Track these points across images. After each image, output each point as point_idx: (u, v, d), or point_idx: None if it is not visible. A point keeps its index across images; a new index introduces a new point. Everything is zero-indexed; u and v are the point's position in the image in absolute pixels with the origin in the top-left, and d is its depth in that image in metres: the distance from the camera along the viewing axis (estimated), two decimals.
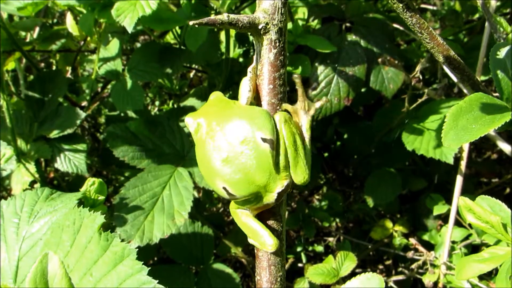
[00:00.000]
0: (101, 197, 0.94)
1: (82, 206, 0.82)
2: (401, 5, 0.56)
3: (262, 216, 0.70)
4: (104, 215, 0.79)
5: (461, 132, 0.56)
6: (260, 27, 0.64)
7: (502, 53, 0.61)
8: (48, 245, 0.80)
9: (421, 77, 1.39)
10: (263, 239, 0.67)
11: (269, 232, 0.68)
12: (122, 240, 1.27)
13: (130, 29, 1.28)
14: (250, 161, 0.64)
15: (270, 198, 0.66)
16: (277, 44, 0.66)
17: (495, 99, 0.60)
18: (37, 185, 1.59)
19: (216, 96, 0.72)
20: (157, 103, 2.49)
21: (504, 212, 0.72)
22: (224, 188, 0.66)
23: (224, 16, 0.61)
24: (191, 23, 0.58)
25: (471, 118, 0.56)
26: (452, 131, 0.57)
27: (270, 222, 0.70)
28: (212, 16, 0.61)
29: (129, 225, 1.29)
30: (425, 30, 0.58)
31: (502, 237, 0.68)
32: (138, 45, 2.40)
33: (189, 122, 0.69)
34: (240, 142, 0.64)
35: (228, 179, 0.65)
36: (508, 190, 2.29)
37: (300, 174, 0.67)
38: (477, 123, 0.55)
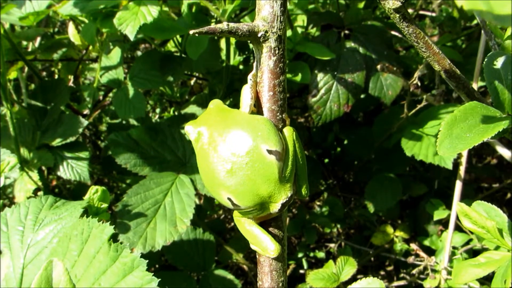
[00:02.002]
0: (104, 205, 0.95)
1: (86, 214, 0.83)
2: (397, 15, 0.57)
3: (264, 221, 0.71)
4: (114, 226, 0.80)
5: (456, 141, 0.57)
6: (259, 35, 0.65)
7: (498, 63, 0.62)
8: (55, 254, 0.80)
9: (419, 84, 1.41)
10: (265, 245, 0.68)
11: (271, 238, 0.68)
12: None
13: (132, 37, 1.30)
14: (255, 172, 0.64)
15: (274, 208, 0.67)
16: (277, 51, 0.67)
17: (490, 108, 0.61)
18: (40, 193, 1.60)
19: (215, 104, 0.71)
20: (157, 110, 2.51)
21: (500, 217, 0.73)
22: (229, 199, 0.66)
23: (224, 25, 0.63)
24: (191, 32, 0.60)
25: (465, 127, 0.57)
26: (447, 140, 0.58)
27: (271, 228, 0.71)
28: (212, 25, 0.62)
29: (132, 232, 1.30)
30: (421, 40, 0.59)
31: (498, 242, 0.69)
32: (139, 53, 2.42)
33: (189, 131, 0.69)
34: (245, 153, 0.64)
35: (233, 190, 0.65)
36: (509, 195, 2.29)
37: (305, 189, 0.69)
38: (472, 132, 0.56)
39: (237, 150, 0.64)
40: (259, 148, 0.63)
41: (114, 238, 1.28)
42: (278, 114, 0.70)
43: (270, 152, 0.64)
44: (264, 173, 0.64)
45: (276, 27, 0.65)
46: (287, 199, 0.66)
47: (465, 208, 0.72)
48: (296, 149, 0.67)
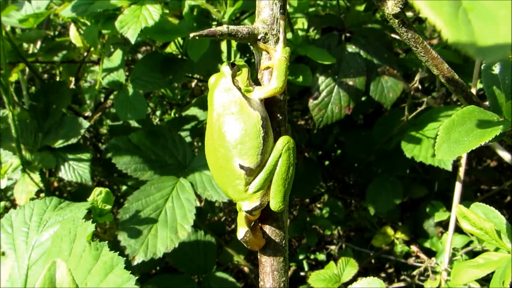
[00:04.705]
0: (108, 206, 0.95)
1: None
2: (397, 21, 0.58)
3: (265, 221, 0.72)
4: (95, 224, 0.81)
5: (454, 145, 0.58)
6: (259, 37, 0.66)
7: (496, 68, 0.63)
8: (51, 254, 0.81)
9: (420, 87, 1.41)
10: (238, 229, 0.70)
11: (243, 226, 0.70)
12: (127, 255, 1.29)
13: (133, 40, 1.31)
14: (225, 177, 0.67)
15: (242, 209, 0.69)
16: None
17: (487, 112, 0.62)
18: (42, 195, 1.60)
19: (222, 78, 0.68)
20: (158, 112, 2.51)
21: (498, 219, 0.74)
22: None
23: (224, 28, 0.63)
24: (192, 34, 0.60)
25: (463, 131, 0.58)
26: (445, 144, 0.59)
27: (272, 228, 0.71)
28: (213, 28, 0.63)
29: (133, 239, 1.30)
30: (419, 45, 0.60)
31: (496, 243, 0.70)
32: (140, 55, 2.43)
33: (211, 82, 0.70)
34: (222, 157, 0.66)
35: (214, 177, 0.71)
36: (508, 197, 2.30)
37: (277, 203, 0.68)
38: (469, 136, 0.57)
39: (218, 151, 0.67)
40: (233, 160, 0.66)
41: (116, 245, 1.29)
42: (279, 115, 0.70)
43: (241, 167, 0.65)
44: (231, 181, 0.67)
45: (276, 29, 0.65)
46: (250, 208, 0.68)
47: (463, 210, 0.73)
48: (280, 163, 0.67)
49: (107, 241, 0.75)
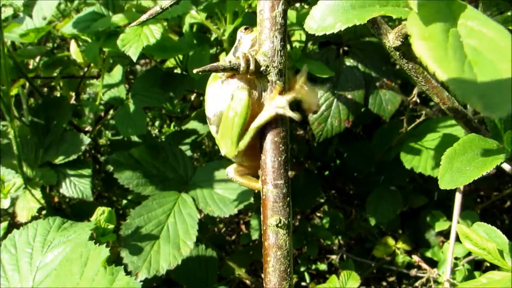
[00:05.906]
0: (111, 226, 0.96)
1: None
2: (398, 53, 0.60)
3: (269, 249, 0.71)
4: (109, 247, 0.81)
5: (456, 174, 0.59)
6: (261, 70, 0.67)
7: None
8: (59, 277, 0.81)
9: (418, 101, 1.43)
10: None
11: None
12: (130, 272, 1.28)
13: (135, 59, 1.32)
14: None
15: None
16: None
17: (487, 140, 0.63)
18: (44, 212, 1.61)
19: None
20: (157, 123, 2.52)
21: (500, 238, 0.75)
22: None
23: (226, 62, 0.65)
24: (194, 71, 0.62)
25: (465, 161, 0.59)
26: (448, 174, 0.60)
27: (277, 257, 0.71)
28: (215, 63, 0.65)
29: (136, 256, 1.31)
30: (420, 75, 0.61)
31: (499, 263, 0.71)
32: (138, 67, 2.44)
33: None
34: None
35: None
36: (508, 203, 2.31)
37: (224, 147, 0.72)
38: (471, 165, 0.58)
39: None
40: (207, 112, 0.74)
41: (118, 261, 1.29)
42: (281, 145, 0.71)
43: (208, 118, 0.74)
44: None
45: (277, 62, 0.67)
46: (222, 154, 0.73)
47: (465, 230, 0.74)
48: (228, 112, 0.68)
49: (123, 266, 0.75)
